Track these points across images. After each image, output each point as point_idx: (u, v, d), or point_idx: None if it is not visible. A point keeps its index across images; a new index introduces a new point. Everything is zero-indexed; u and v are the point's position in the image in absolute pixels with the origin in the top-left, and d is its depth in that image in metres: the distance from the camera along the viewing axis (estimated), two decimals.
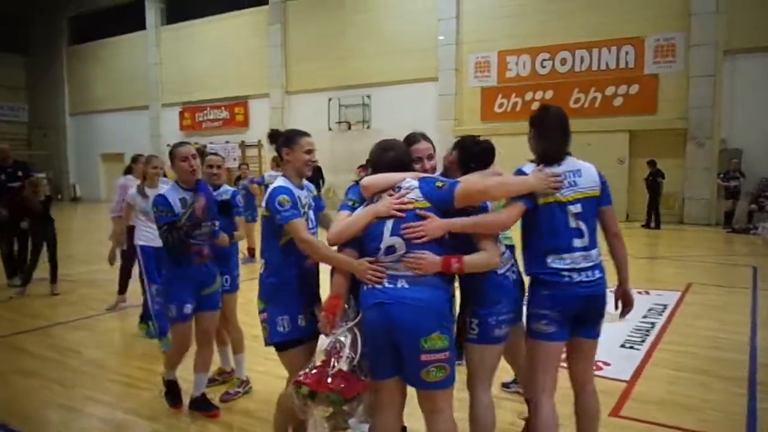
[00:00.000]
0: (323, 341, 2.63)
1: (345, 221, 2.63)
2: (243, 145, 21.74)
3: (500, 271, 2.73)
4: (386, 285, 2.43)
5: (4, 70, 27.62)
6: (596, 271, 2.68)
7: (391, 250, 2.46)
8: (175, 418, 3.77)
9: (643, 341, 5.06)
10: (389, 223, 2.47)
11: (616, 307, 2.94)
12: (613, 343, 4.99)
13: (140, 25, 24.68)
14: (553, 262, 2.64)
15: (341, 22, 19.41)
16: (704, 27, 13.89)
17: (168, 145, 23.54)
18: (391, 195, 2.54)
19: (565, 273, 2.62)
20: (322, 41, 19.82)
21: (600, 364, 4.50)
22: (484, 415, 2.76)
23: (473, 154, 2.93)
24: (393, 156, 2.71)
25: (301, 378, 2.49)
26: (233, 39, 22.05)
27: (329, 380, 2.42)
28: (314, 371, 2.49)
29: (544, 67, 16.14)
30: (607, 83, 15.26)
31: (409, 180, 2.57)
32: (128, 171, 6.62)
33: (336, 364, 2.46)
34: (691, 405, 3.75)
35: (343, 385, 2.42)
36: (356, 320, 2.55)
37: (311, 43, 20.10)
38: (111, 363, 4.93)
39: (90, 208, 24.00)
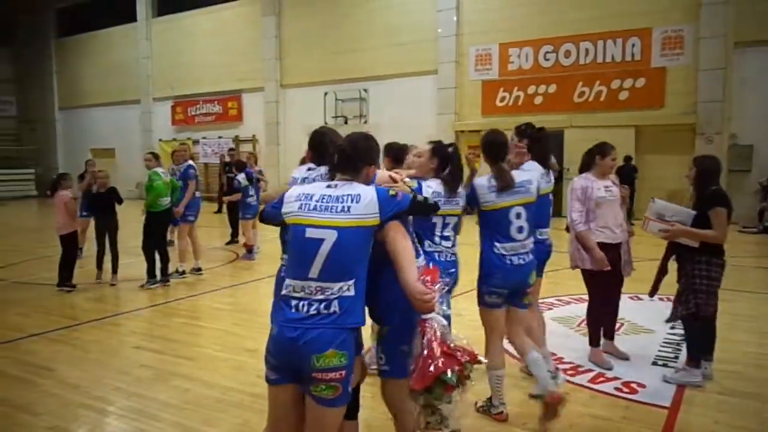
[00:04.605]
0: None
1: None
2: (237, 140, 21.17)
3: None
4: None
5: None
6: None
7: None
8: None
9: (676, 357, 4.57)
10: None
11: None
12: (644, 361, 4.51)
13: (131, 17, 24.01)
14: None
15: (338, 13, 18.83)
16: (714, 19, 13.39)
17: (160, 140, 23.11)
18: None
19: None
20: (317, 33, 19.24)
21: (633, 385, 4.02)
22: None
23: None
24: None
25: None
26: (226, 31, 21.42)
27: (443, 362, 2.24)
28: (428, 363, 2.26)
29: (547, 59, 15.62)
30: (613, 76, 14.76)
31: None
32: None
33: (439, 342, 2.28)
34: None
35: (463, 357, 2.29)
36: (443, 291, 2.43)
37: (307, 35, 19.51)
38: (86, 384, 4.40)
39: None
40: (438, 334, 2.27)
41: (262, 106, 20.71)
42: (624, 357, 4.52)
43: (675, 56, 14.07)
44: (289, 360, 2.24)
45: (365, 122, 18.32)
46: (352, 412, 2.52)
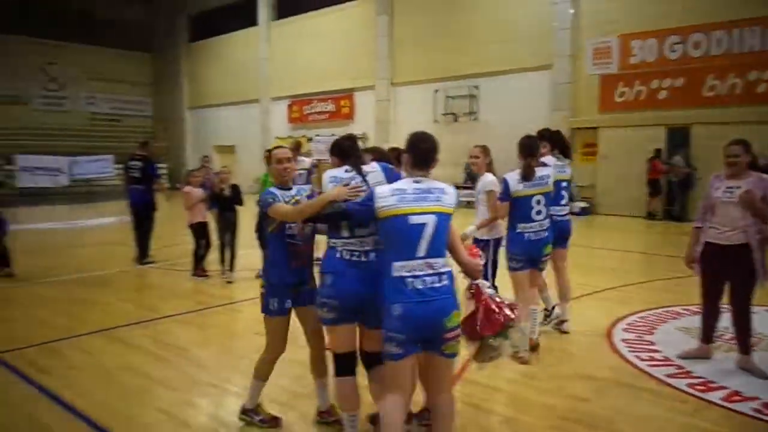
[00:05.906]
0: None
1: None
2: None
3: None
4: None
5: (132, 67, 29.80)
6: None
7: None
8: None
9: None
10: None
11: None
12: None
13: (253, 21, 25.49)
14: None
15: (449, 10, 18.79)
16: None
17: (276, 137, 24.31)
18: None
19: None
20: (428, 31, 19.32)
21: (758, 406, 3.68)
22: None
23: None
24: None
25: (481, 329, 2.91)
26: (341, 31, 22.10)
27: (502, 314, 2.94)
28: (482, 318, 2.91)
29: (674, 51, 14.58)
30: (750, 68, 13.51)
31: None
32: None
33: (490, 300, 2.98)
34: None
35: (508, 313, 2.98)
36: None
37: (418, 33, 19.66)
38: (212, 364, 4.77)
39: None
40: (489, 294, 2.98)
41: (373, 105, 21.16)
42: (763, 375, 4.15)
43: None
44: (421, 330, 2.67)
45: (475, 119, 18.16)
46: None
